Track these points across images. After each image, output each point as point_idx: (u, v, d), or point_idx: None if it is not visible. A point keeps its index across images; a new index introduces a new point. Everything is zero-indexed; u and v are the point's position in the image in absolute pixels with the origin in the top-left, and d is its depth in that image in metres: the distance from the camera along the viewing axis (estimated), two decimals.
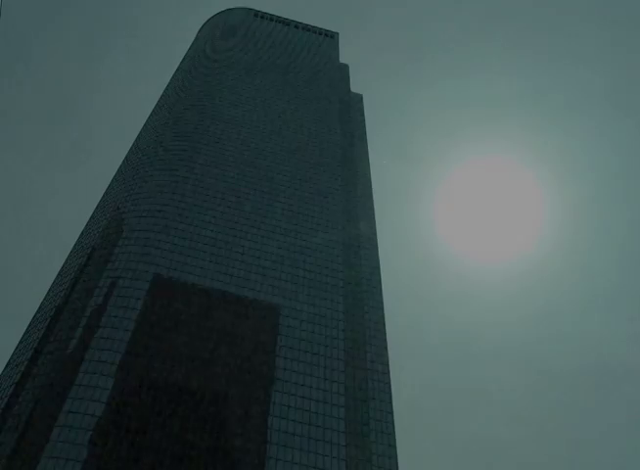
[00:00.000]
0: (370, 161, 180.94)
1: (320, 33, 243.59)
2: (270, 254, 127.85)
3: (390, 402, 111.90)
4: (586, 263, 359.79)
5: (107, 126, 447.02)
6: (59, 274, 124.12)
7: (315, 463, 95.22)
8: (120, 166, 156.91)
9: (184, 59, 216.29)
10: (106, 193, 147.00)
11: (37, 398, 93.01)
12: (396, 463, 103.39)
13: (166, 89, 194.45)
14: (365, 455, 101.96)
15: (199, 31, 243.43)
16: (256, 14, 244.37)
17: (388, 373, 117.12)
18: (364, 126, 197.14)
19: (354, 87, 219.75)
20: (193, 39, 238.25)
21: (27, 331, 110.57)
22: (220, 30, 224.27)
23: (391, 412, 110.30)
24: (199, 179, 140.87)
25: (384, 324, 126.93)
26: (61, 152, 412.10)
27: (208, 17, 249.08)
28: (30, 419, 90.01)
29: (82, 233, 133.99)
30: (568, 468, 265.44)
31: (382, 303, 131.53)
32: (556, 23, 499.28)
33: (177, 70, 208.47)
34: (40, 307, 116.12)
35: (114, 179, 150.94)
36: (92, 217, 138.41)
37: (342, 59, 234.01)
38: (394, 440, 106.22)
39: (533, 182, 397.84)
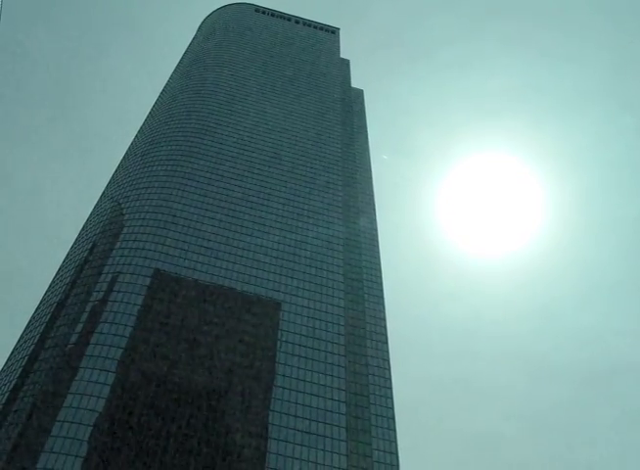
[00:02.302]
0: (371, 156, 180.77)
1: (321, 29, 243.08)
2: (271, 249, 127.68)
3: (391, 398, 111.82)
4: (587, 259, 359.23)
5: (107, 122, 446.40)
6: (59, 270, 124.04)
7: (316, 458, 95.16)
8: (121, 162, 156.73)
9: (185, 54, 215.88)
10: (106, 189, 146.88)
11: (38, 393, 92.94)
12: (397, 458, 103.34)
13: (167, 85, 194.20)
14: (366, 450, 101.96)
15: (199, 27, 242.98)
16: (257, 9, 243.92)
17: (388, 369, 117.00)
18: (365, 121, 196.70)
19: (355, 82, 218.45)
20: (193, 34, 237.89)
21: (28, 326, 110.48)
22: (221, 26, 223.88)
23: (392, 408, 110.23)
24: (199, 175, 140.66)
25: (384, 319, 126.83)
26: (61, 147, 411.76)
27: (209, 12, 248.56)
28: (31, 415, 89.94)
29: (83, 228, 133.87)
30: (567, 464, 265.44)
31: (382, 298, 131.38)
32: (556, 18, 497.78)
33: (178, 65, 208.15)
34: (41, 303, 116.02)
35: (115, 175, 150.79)
36: (93, 213, 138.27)
37: (344, 54, 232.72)
38: (395, 435, 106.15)
39: (534, 177, 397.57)
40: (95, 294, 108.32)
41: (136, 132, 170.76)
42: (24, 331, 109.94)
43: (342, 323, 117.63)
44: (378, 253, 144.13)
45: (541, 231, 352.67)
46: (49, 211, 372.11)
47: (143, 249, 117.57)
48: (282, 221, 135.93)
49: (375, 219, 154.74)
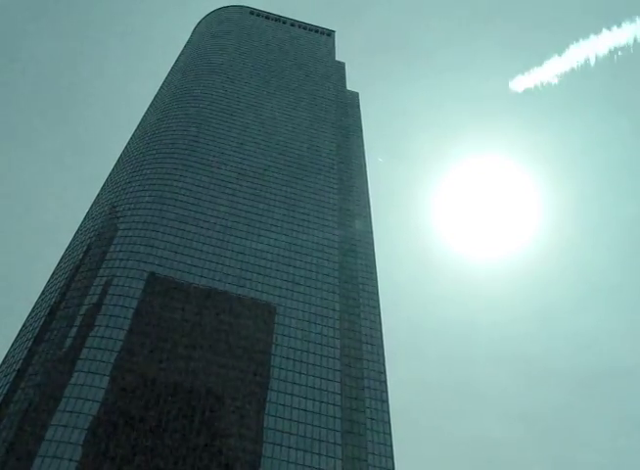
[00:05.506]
0: (366, 159, 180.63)
1: (316, 31, 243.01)
2: (266, 252, 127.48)
3: (387, 401, 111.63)
4: (584, 261, 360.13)
5: (103, 125, 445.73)
6: (54, 273, 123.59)
7: (311, 462, 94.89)
8: (116, 165, 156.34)
9: (179, 57, 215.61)
10: (101, 191, 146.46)
11: (32, 397, 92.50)
12: (392, 462, 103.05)
13: (162, 88, 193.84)
14: (361, 454, 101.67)
15: (194, 29, 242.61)
16: (252, 12, 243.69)
17: (384, 372, 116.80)
18: (360, 124, 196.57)
19: (350, 85, 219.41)
20: (188, 37, 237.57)
21: (22, 330, 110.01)
22: (216, 28, 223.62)
23: (388, 411, 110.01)
24: (194, 178, 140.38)
25: (380, 323, 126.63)
26: (56, 150, 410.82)
27: (204, 15, 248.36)
28: (25, 418, 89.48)
29: (78, 231, 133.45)
30: (564, 468, 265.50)
31: (378, 301, 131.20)
32: (552, 20, 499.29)
33: (173, 68, 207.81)
34: (35, 306, 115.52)
35: (110, 178, 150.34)
36: (87, 216, 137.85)
37: (339, 57, 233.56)
38: (391, 439, 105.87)
39: (530, 180, 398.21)
40: (90, 297, 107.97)
41: (130, 135, 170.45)
42: (19, 334, 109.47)
43: (337, 327, 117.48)
44: (373, 256, 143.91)
45: (538, 234, 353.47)
46: (44, 213, 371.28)
47: (138, 252, 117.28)
48: (277, 225, 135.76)
49: (370, 222, 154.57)
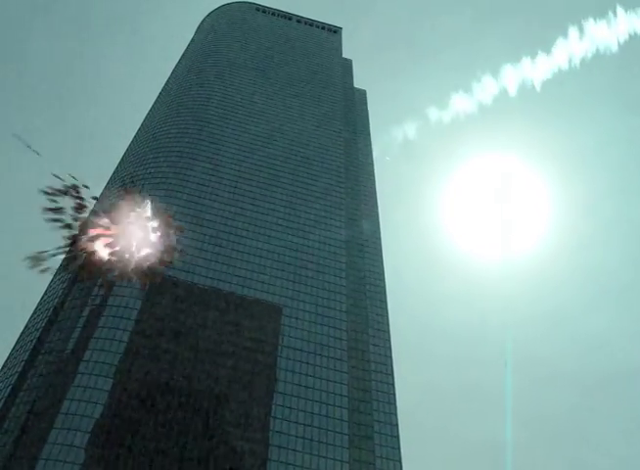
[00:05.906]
0: (373, 157, 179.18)
1: (323, 28, 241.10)
2: (272, 253, 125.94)
3: (394, 404, 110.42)
4: (593, 262, 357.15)
5: (105, 124, 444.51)
6: (56, 274, 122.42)
7: (318, 466, 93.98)
8: (119, 164, 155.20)
9: (184, 54, 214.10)
10: (104, 191, 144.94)
11: (35, 399, 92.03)
12: (400, 466, 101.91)
13: (166, 85, 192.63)
14: (369, 458, 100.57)
15: (199, 26, 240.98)
16: (258, 8, 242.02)
17: (391, 374, 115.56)
18: (367, 122, 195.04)
19: (358, 82, 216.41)
20: (193, 34, 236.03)
21: (25, 331, 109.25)
22: (221, 25, 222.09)
23: (395, 414, 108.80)
24: (199, 178, 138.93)
25: (387, 324, 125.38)
26: (59, 148, 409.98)
27: (209, 11, 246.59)
28: (28, 421, 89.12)
29: None
30: None
31: (385, 303, 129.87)
32: (561, 16, 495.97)
33: (177, 65, 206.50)
34: (37, 307, 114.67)
35: (113, 177, 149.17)
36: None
37: (346, 54, 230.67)
38: (398, 442, 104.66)
39: (540, 178, 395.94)
40: (93, 298, 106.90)
41: (134, 134, 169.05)
42: (21, 336, 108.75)
43: (344, 328, 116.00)
44: (381, 256, 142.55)
45: (547, 233, 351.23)
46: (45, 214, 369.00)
47: None
48: (283, 224, 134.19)
49: (378, 222, 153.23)
